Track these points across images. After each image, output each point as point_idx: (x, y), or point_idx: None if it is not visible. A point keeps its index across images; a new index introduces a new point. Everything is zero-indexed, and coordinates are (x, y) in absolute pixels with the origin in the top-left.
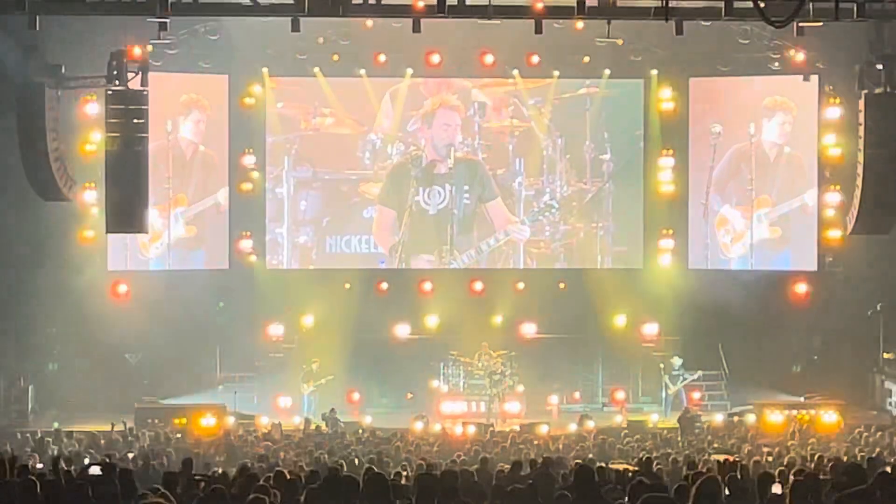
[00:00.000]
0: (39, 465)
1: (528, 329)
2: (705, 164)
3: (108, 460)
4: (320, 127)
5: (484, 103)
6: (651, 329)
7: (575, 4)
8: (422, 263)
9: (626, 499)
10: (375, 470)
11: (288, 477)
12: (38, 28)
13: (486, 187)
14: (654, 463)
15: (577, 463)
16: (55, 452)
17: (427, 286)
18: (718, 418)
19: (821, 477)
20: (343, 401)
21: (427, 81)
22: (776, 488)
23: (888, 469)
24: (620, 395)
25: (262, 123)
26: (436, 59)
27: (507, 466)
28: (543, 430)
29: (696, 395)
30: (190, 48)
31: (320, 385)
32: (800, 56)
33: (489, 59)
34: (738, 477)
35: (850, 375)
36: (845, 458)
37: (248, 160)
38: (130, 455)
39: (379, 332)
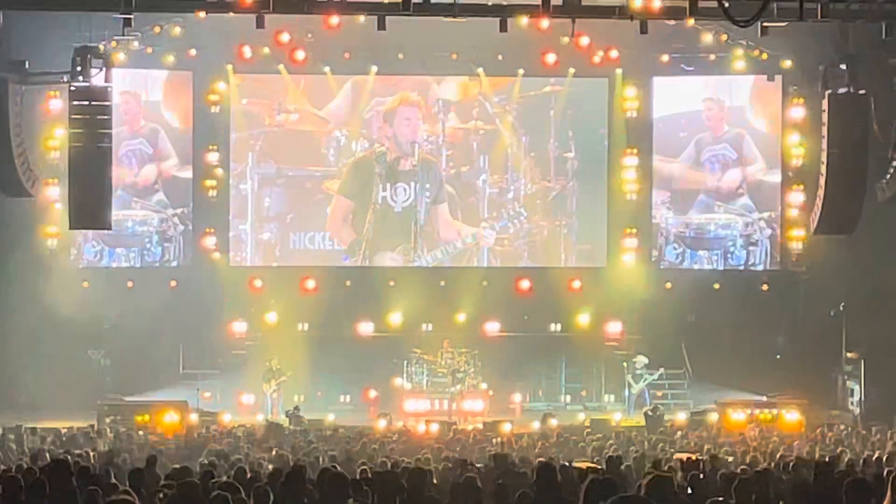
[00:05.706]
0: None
1: (492, 327)
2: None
3: (69, 457)
4: (285, 123)
5: (448, 101)
6: (615, 328)
7: (540, 3)
8: (386, 261)
9: (584, 497)
10: (336, 468)
11: (249, 474)
12: (1, 23)
13: (438, 190)
14: (618, 462)
15: (539, 461)
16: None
17: (391, 284)
18: (681, 417)
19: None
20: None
21: (392, 78)
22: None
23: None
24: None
25: (227, 120)
26: (400, 56)
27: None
28: (506, 428)
29: (659, 394)
30: (154, 45)
31: (283, 382)
32: (764, 56)
33: (454, 57)
34: (701, 476)
35: (812, 375)
36: (811, 457)
37: (212, 157)
38: (93, 452)
39: (342, 329)
